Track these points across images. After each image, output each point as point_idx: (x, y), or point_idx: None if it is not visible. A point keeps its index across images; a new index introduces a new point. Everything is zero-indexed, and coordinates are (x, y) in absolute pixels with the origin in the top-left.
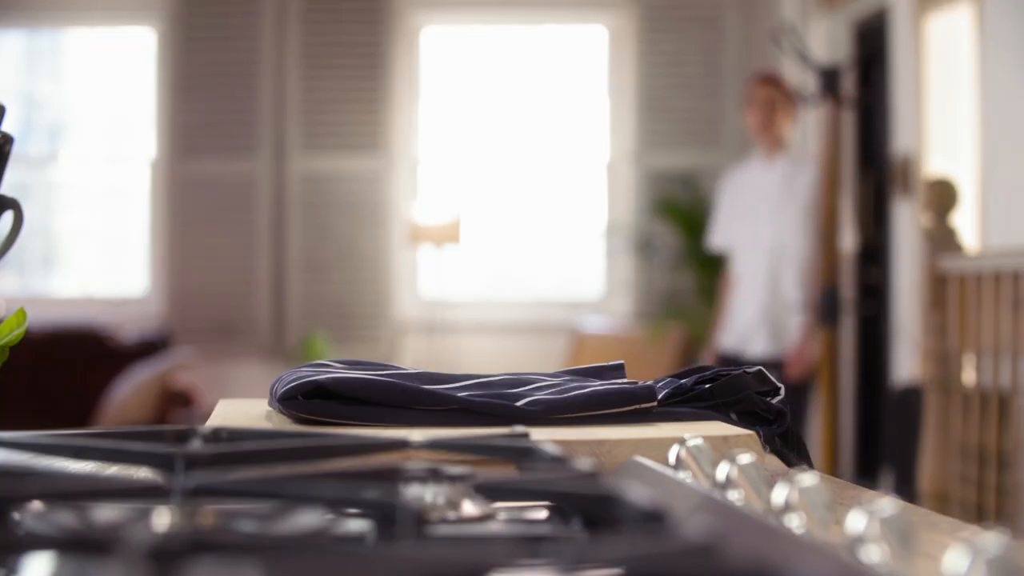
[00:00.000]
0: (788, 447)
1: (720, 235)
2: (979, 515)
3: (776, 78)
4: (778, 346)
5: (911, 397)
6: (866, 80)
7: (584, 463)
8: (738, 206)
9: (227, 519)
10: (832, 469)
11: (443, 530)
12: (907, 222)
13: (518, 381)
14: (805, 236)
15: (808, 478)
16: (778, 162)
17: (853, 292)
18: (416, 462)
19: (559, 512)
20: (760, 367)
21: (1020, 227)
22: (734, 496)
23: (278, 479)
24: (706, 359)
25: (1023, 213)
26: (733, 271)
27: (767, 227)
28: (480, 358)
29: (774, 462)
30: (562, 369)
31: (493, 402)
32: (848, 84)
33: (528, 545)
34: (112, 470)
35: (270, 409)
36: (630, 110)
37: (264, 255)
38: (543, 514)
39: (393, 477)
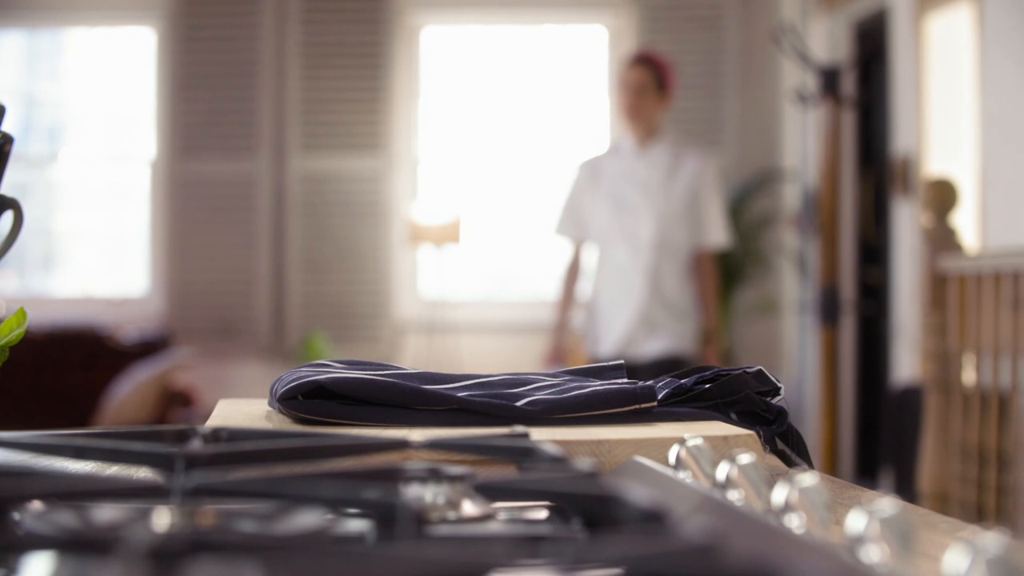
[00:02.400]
0: (788, 447)
1: (573, 225)
2: (979, 515)
3: (651, 59)
4: (660, 345)
5: (911, 397)
6: (866, 80)
7: (584, 463)
8: (607, 197)
9: (227, 519)
10: (832, 469)
11: (443, 530)
12: (907, 222)
13: (518, 381)
14: (688, 230)
15: (808, 478)
16: (653, 150)
17: (853, 292)
18: (416, 462)
19: (559, 512)
20: (760, 368)
21: (1020, 227)
22: (734, 496)
23: (278, 479)
24: (552, 359)
25: (1023, 213)
26: (577, 264)
27: (647, 221)
28: (480, 358)
29: (774, 462)
30: (562, 369)
31: (493, 402)
32: (848, 84)
33: (528, 545)
34: (112, 470)
35: (270, 409)
36: None
37: (264, 255)
38: (543, 514)
39: (393, 477)
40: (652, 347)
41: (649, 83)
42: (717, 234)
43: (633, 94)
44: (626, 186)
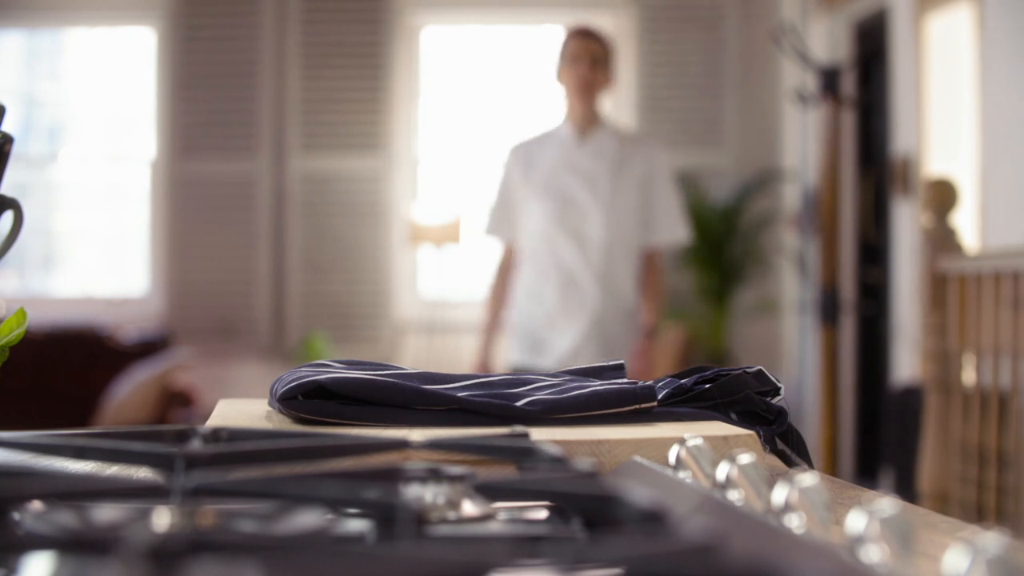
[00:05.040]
0: (788, 447)
1: (508, 224)
2: (979, 515)
3: (599, 34)
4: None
5: (911, 397)
6: (866, 80)
7: (584, 463)
8: (546, 190)
9: (227, 519)
10: (832, 469)
11: (443, 530)
12: (907, 222)
13: (518, 381)
14: (640, 227)
15: (808, 478)
16: (595, 137)
17: (853, 292)
18: (416, 462)
19: (559, 512)
20: (760, 368)
21: (1020, 227)
22: (734, 496)
23: (278, 479)
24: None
25: (1023, 213)
26: (510, 268)
27: (596, 218)
28: None
29: (774, 462)
30: (562, 369)
31: (493, 402)
32: (848, 84)
33: (528, 545)
34: (112, 470)
35: (270, 409)
36: (630, 110)
37: (264, 255)
38: (543, 514)
39: (393, 477)
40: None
41: (601, 57)
42: (676, 230)
43: (587, 67)
44: (568, 178)
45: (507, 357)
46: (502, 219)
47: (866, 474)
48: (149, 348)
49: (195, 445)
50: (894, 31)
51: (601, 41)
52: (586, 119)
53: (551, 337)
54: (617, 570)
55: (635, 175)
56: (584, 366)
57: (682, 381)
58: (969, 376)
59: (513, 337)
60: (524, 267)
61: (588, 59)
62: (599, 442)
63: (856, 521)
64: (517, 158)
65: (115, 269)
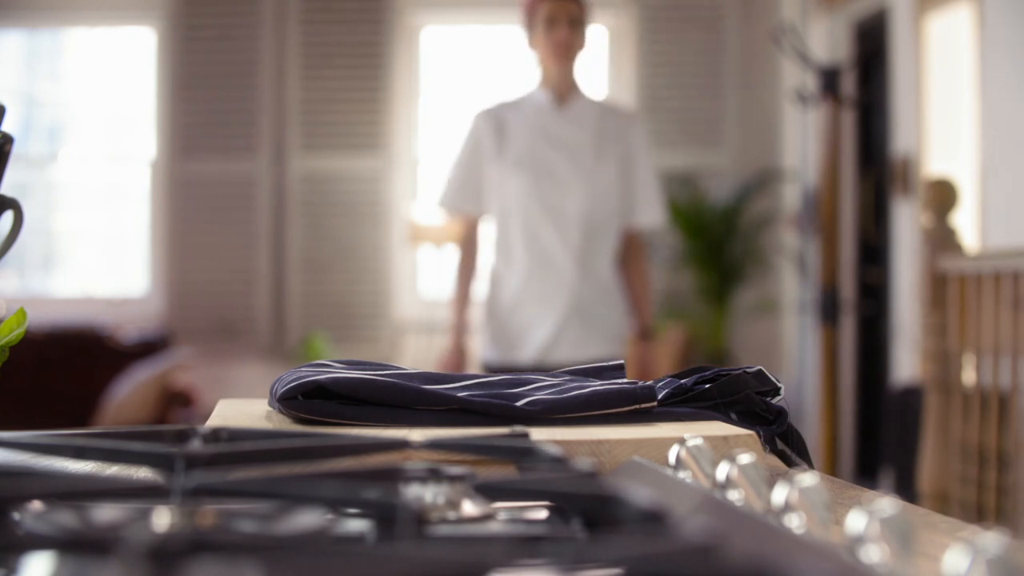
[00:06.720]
0: (788, 447)
1: (471, 197)
2: (979, 515)
3: None
4: (586, 351)
5: (911, 397)
6: (866, 80)
7: (584, 463)
8: (521, 160)
9: (227, 519)
10: (832, 469)
11: (443, 530)
12: (907, 222)
13: (518, 381)
14: (619, 205)
15: (808, 478)
16: (575, 105)
17: (853, 292)
18: (416, 462)
19: (559, 512)
20: (760, 368)
21: (1020, 227)
22: (734, 496)
23: (278, 479)
24: (452, 365)
25: (1023, 213)
26: (475, 246)
27: (577, 193)
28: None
29: (774, 462)
30: (562, 369)
31: (493, 402)
32: (848, 84)
33: (528, 545)
34: (112, 470)
35: (270, 409)
36: None
37: (264, 255)
38: (543, 514)
39: (393, 477)
40: (578, 352)
41: (579, 18)
42: (654, 212)
43: (567, 30)
44: (545, 148)
45: (479, 355)
46: (466, 190)
47: (866, 474)
48: (149, 348)
49: (195, 445)
50: (894, 31)
51: (580, 4)
52: (565, 85)
53: (527, 328)
54: (617, 570)
55: (617, 148)
56: (583, 366)
57: (682, 381)
58: (969, 376)
59: (484, 332)
60: (492, 250)
61: (566, 21)
62: (599, 442)
63: (856, 521)
64: (487, 124)
65: (115, 269)
